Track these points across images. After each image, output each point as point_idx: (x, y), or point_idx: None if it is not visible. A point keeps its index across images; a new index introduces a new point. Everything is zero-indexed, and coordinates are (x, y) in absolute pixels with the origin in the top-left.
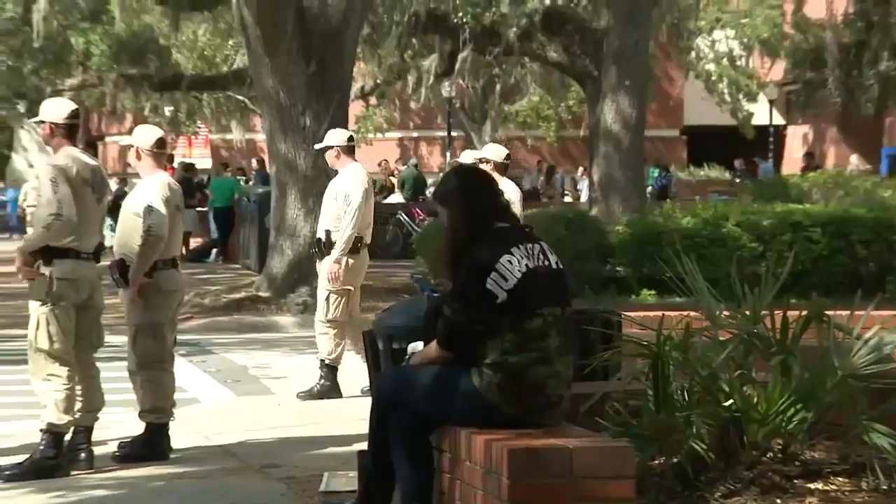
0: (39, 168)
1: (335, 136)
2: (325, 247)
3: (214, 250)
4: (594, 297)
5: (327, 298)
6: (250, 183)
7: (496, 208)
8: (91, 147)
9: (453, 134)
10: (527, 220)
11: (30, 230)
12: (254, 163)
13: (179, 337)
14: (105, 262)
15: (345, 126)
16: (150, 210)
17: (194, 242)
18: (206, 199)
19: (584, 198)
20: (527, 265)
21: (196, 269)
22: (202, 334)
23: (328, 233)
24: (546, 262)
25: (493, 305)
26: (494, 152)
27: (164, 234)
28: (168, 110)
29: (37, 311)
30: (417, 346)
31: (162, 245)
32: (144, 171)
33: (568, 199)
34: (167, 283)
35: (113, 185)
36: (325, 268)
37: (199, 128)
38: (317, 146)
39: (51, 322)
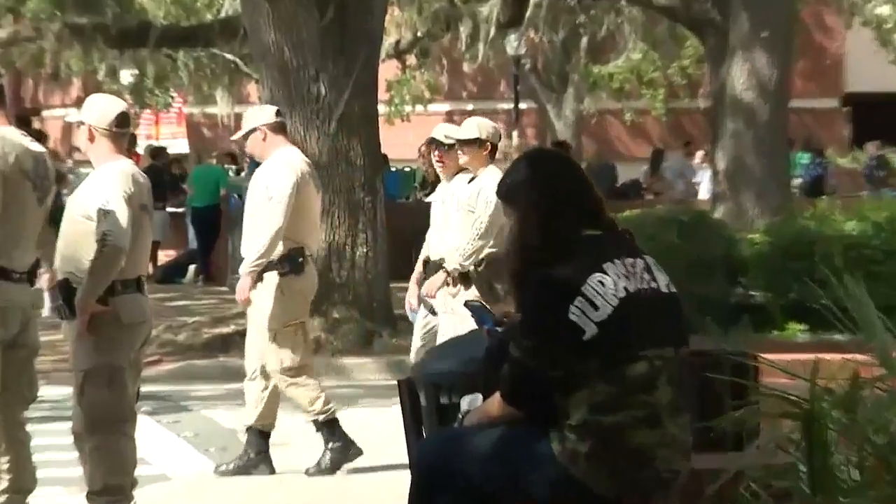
0: None
1: (257, 115)
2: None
3: (193, 266)
4: (720, 333)
5: (274, 341)
6: (242, 174)
7: (583, 208)
8: (24, 123)
9: (522, 106)
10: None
11: None
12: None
13: (144, 388)
14: (42, 285)
15: (374, 96)
16: (106, 211)
17: (166, 255)
18: (183, 197)
19: (704, 193)
20: (626, 288)
21: (168, 292)
22: (175, 384)
23: None
24: (653, 284)
25: (579, 343)
26: (486, 129)
27: (124, 244)
28: (130, 74)
29: None
30: (474, 400)
31: (122, 259)
32: (99, 157)
33: (681, 194)
34: (129, 312)
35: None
36: (258, 299)
37: (172, 98)
38: (235, 135)
39: None
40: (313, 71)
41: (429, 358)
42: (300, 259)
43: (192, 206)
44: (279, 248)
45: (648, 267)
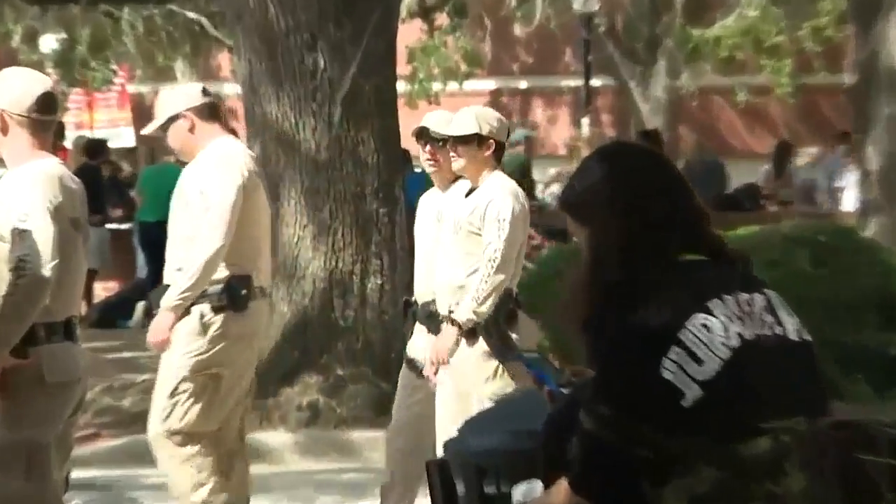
0: None
1: (177, 97)
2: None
3: (142, 304)
4: (874, 397)
5: (173, 392)
6: None
7: (679, 222)
8: None
9: (595, 83)
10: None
11: None
12: None
13: (76, 472)
14: None
15: (391, 69)
16: (22, 230)
17: (105, 289)
18: (129, 208)
19: (849, 203)
20: (740, 334)
21: (108, 339)
22: (118, 467)
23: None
24: (777, 329)
25: (677, 411)
26: (488, 121)
27: (47, 274)
28: (55, 40)
29: None
30: (531, 488)
31: (45, 294)
32: (14, 154)
33: (820, 203)
34: (55, 367)
35: None
36: (178, 338)
37: (114, 72)
38: (147, 128)
39: None
40: (308, 35)
41: (468, 431)
42: (244, 291)
43: (142, 220)
44: (217, 275)
45: (771, 305)
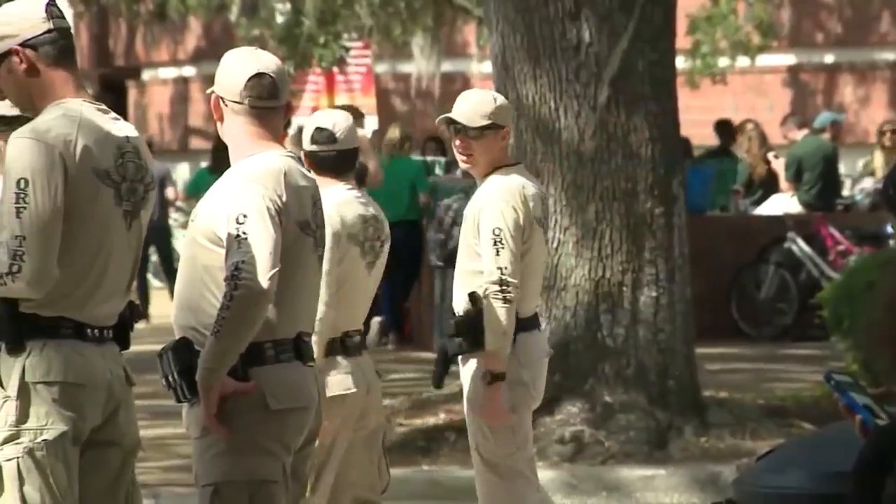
0: None
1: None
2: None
3: (377, 320)
4: None
5: None
6: (459, 171)
7: None
8: (111, 90)
9: None
10: None
11: None
12: None
13: None
14: (144, 347)
15: (669, 43)
16: (239, 235)
17: None
18: None
19: None
20: None
21: None
22: None
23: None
24: None
25: None
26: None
27: (265, 284)
28: (280, 13)
29: None
30: None
31: (264, 308)
32: (236, 146)
33: None
34: (281, 392)
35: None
36: None
37: (347, 49)
38: None
39: (27, 480)
40: (570, 3)
41: (765, 465)
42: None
43: None
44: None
45: None
